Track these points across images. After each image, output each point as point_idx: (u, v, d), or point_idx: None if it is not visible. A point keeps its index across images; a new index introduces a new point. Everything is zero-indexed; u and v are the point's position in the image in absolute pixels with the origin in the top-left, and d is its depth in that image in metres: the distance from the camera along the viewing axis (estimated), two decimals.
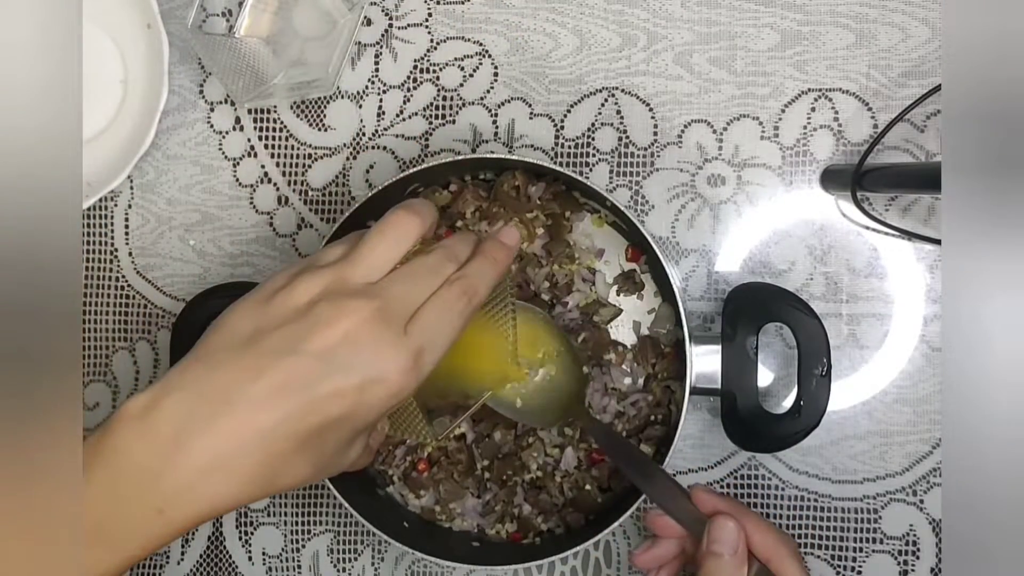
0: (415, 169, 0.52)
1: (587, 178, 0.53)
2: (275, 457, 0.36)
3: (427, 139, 0.60)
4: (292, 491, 0.60)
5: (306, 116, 0.61)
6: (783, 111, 0.57)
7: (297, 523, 0.61)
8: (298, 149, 0.61)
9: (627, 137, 0.58)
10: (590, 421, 0.52)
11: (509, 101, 0.59)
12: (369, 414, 0.37)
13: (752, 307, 0.52)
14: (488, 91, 0.60)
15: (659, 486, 0.46)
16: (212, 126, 0.62)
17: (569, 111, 0.59)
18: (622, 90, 0.58)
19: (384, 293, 0.38)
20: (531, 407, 0.51)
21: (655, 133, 0.58)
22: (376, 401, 0.37)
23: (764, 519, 0.45)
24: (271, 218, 0.61)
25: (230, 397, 0.35)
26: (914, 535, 0.56)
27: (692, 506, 0.45)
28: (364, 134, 0.60)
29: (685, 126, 0.58)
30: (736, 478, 0.57)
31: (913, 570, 0.56)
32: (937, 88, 0.51)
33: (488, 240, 0.44)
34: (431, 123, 0.60)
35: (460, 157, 0.54)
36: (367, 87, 0.60)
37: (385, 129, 0.60)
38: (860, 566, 0.56)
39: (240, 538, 0.61)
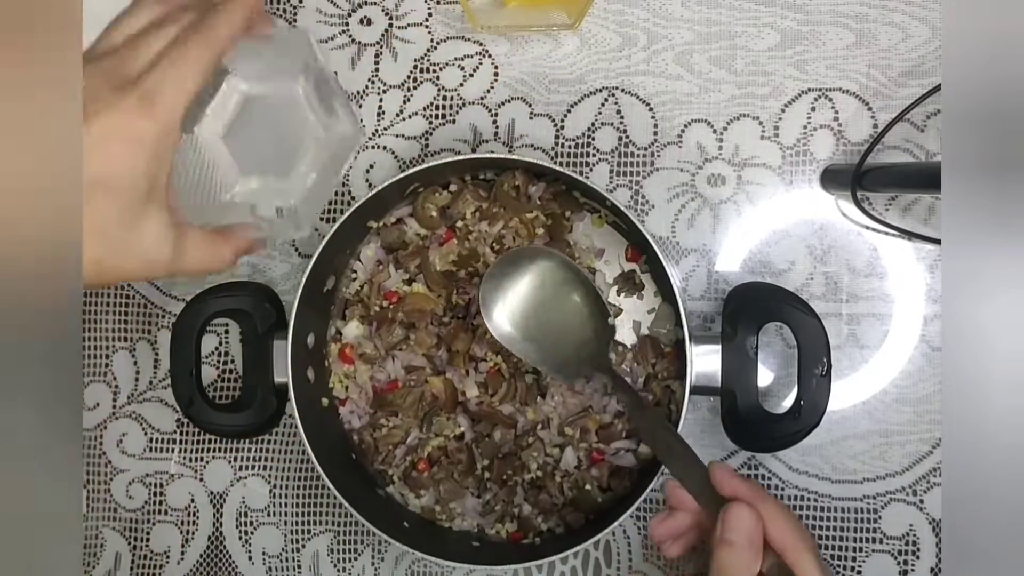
0: (415, 169, 0.52)
1: (587, 178, 0.53)
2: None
3: (427, 139, 0.60)
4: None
5: None
6: (783, 111, 0.57)
7: (297, 523, 0.61)
8: None
9: (627, 137, 0.58)
10: (613, 375, 0.51)
11: (509, 101, 0.59)
12: (124, 172, 0.35)
13: (752, 307, 0.52)
14: (488, 91, 0.60)
15: (678, 458, 0.45)
16: None
17: (569, 111, 0.59)
18: (622, 90, 0.58)
19: (111, 56, 0.37)
20: (553, 355, 0.51)
21: (655, 133, 0.58)
22: (118, 154, 0.35)
23: (784, 507, 0.43)
24: None
25: None
26: (914, 535, 0.56)
27: (709, 484, 0.44)
28: (364, 134, 0.60)
29: (685, 126, 0.58)
30: None
31: (913, 570, 0.56)
32: (937, 88, 0.51)
33: None
34: (431, 123, 0.60)
35: (460, 157, 0.54)
36: (367, 87, 0.60)
37: (385, 129, 0.60)
38: (860, 566, 0.56)
39: (240, 538, 0.61)
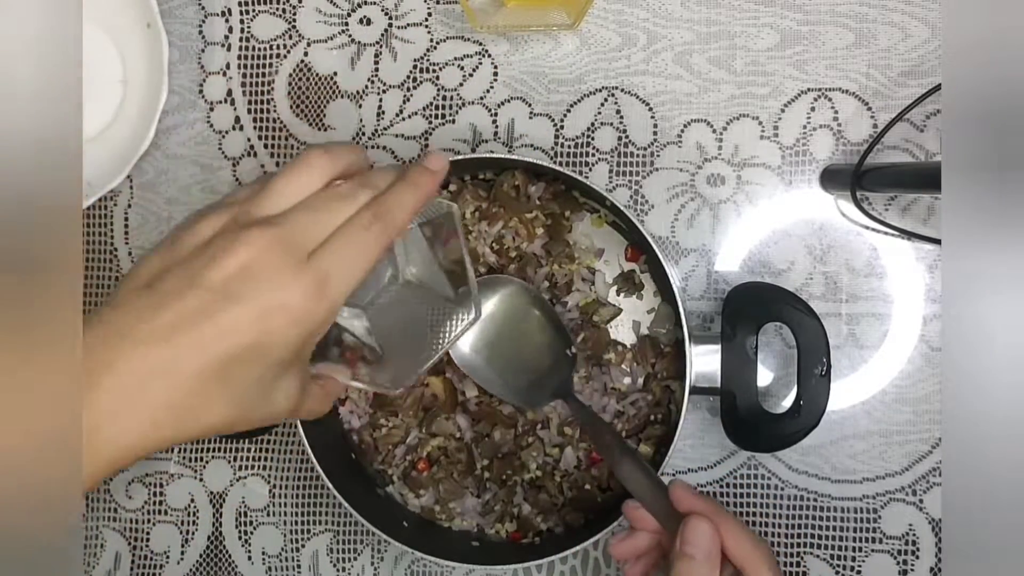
0: None
1: (587, 178, 0.53)
2: (181, 394, 0.35)
3: (427, 138, 0.60)
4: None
5: (306, 116, 0.61)
6: (783, 111, 0.57)
7: (297, 523, 0.61)
8: (298, 148, 0.61)
9: (627, 137, 0.58)
10: (576, 403, 0.51)
11: (509, 101, 0.59)
12: (278, 344, 0.36)
13: (752, 307, 0.52)
14: (488, 91, 0.60)
15: (636, 478, 0.45)
16: (212, 126, 0.62)
17: (569, 111, 0.59)
18: (622, 90, 0.58)
19: (285, 221, 0.37)
20: (515, 382, 0.51)
21: (655, 133, 0.58)
22: (280, 330, 0.36)
23: (741, 523, 0.44)
24: None
25: (127, 335, 0.34)
26: (914, 535, 0.56)
27: (668, 502, 0.44)
28: (364, 133, 0.60)
29: (685, 126, 0.58)
30: (735, 478, 0.57)
31: (913, 570, 0.56)
32: (937, 88, 0.51)
33: (412, 166, 0.42)
34: (431, 123, 0.60)
35: (460, 157, 0.54)
36: (367, 86, 0.60)
37: (385, 128, 0.60)
38: (860, 566, 0.56)
39: (240, 538, 0.61)
